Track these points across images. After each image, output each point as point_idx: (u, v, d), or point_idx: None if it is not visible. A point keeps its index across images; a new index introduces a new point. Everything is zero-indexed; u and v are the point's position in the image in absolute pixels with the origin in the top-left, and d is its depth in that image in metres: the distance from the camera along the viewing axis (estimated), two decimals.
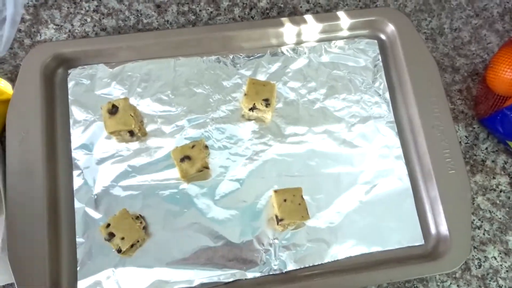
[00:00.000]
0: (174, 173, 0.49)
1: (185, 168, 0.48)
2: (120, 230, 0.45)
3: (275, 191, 0.48)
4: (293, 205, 0.47)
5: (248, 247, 0.48)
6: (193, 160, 0.48)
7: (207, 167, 0.48)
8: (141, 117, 0.51)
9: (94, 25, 0.55)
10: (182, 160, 0.48)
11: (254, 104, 0.50)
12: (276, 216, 0.47)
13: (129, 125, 0.48)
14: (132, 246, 0.46)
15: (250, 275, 0.47)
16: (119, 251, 0.45)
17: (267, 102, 0.50)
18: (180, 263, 0.47)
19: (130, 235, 0.45)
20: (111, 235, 0.45)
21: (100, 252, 0.47)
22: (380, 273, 0.46)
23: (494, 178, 0.53)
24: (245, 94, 0.50)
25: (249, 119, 0.52)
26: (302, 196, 0.48)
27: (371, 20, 0.55)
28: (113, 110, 0.48)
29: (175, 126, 0.51)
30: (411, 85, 0.52)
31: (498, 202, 0.52)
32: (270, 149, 0.51)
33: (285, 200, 0.47)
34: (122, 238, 0.45)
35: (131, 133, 0.49)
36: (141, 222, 0.47)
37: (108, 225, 0.45)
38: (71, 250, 0.46)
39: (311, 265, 0.48)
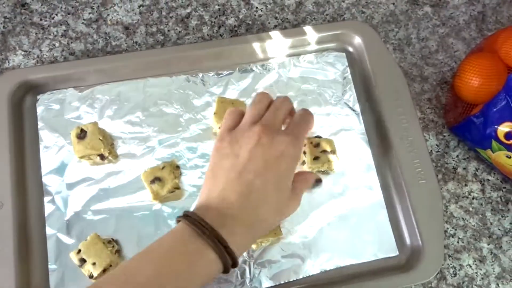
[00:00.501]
0: (146, 195, 0.49)
1: (156, 190, 0.48)
2: (91, 255, 0.45)
3: None
4: None
5: None
6: (163, 181, 0.48)
7: (177, 188, 0.48)
8: (112, 140, 0.51)
9: (63, 50, 0.55)
10: (152, 182, 0.48)
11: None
12: None
13: (98, 149, 0.48)
14: (104, 271, 0.45)
15: None
16: (90, 276, 0.44)
17: None
18: None
19: (101, 260, 0.45)
20: (83, 261, 0.45)
21: (73, 278, 0.46)
22: (355, 286, 0.46)
23: (466, 185, 0.53)
24: (215, 113, 0.50)
25: None
26: None
27: (338, 33, 0.56)
28: (82, 134, 0.48)
29: (146, 147, 0.51)
30: (379, 96, 0.53)
31: (471, 209, 0.52)
32: None
33: None
34: (94, 264, 0.44)
35: (102, 156, 0.49)
36: (113, 246, 0.47)
37: (79, 250, 0.45)
38: (44, 277, 0.46)
39: (286, 281, 0.47)
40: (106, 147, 0.48)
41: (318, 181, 0.51)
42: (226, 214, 0.37)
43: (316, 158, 0.50)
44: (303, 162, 0.51)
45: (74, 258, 0.45)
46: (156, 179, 0.48)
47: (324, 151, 0.50)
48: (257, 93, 0.44)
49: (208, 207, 0.38)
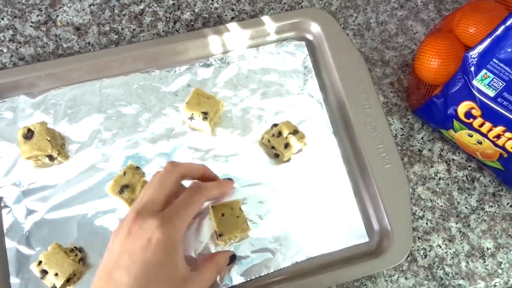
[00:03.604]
0: (108, 200, 0.48)
1: (128, 197, 0.46)
2: (53, 266, 0.43)
3: (212, 207, 0.47)
4: (232, 218, 0.46)
5: (192, 266, 0.46)
6: (131, 186, 0.46)
7: None
8: (62, 141, 0.49)
9: (11, 55, 0.53)
10: (121, 191, 0.46)
11: (193, 114, 0.49)
12: (216, 232, 0.46)
13: (45, 150, 0.46)
14: (68, 280, 0.44)
15: None
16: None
17: (205, 115, 0.49)
18: None
19: (63, 269, 0.43)
20: (44, 272, 0.43)
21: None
22: (327, 276, 0.46)
23: (432, 166, 0.53)
24: (187, 103, 0.49)
25: (191, 128, 0.51)
26: (240, 208, 0.47)
27: (297, 22, 0.55)
28: (29, 134, 0.46)
29: (105, 151, 0.50)
30: (341, 83, 0.52)
31: (438, 190, 0.52)
32: (205, 163, 0.50)
33: (223, 215, 0.46)
34: (56, 274, 0.43)
35: (50, 157, 0.47)
36: (76, 255, 0.45)
37: (40, 262, 0.43)
38: None
39: (257, 276, 0.47)
40: (54, 148, 0.47)
41: (233, 258, 0.46)
42: None
43: (286, 146, 0.49)
44: (277, 155, 0.51)
45: (35, 270, 0.43)
46: (124, 187, 0.46)
47: (288, 135, 0.49)
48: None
49: None
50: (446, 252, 0.50)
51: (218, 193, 0.46)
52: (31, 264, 0.43)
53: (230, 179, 0.49)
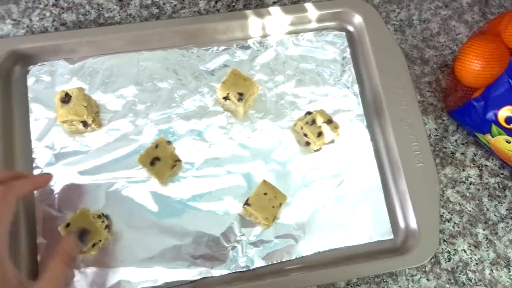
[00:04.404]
0: (137, 171, 0.48)
1: (158, 170, 0.46)
2: None
3: (265, 181, 0.47)
4: (268, 203, 0.46)
5: (215, 244, 0.47)
6: (162, 159, 0.47)
7: (179, 160, 0.47)
8: (97, 108, 0.50)
9: (54, 20, 0.53)
10: (152, 163, 0.46)
11: (228, 94, 0.49)
12: (248, 199, 0.46)
13: (81, 116, 0.46)
14: (93, 245, 0.44)
15: (216, 272, 0.46)
16: (80, 252, 0.43)
17: (240, 96, 0.49)
18: (144, 262, 0.45)
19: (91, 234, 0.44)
20: None
21: None
22: (348, 268, 0.46)
23: (463, 170, 0.52)
24: (223, 82, 0.49)
25: (224, 109, 0.51)
26: (281, 204, 0.47)
27: (339, 12, 0.54)
28: (66, 98, 0.47)
29: (138, 122, 0.50)
30: (379, 77, 0.52)
31: (467, 194, 0.51)
32: (236, 144, 0.50)
33: (265, 194, 0.46)
34: None
35: (84, 123, 0.48)
36: (103, 221, 0.45)
37: (68, 224, 0.44)
38: (32, 251, 0.45)
39: (278, 261, 0.47)
40: (90, 114, 0.47)
41: (84, 233, 0.42)
42: None
43: (319, 135, 0.49)
44: (308, 144, 0.50)
45: (63, 231, 0.43)
46: (155, 159, 0.46)
47: (322, 124, 0.49)
48: None
49: None
50: (470, 258, 0.49)
51: (30, 187, 0.42)
52: (60, 226, 0.44)
53: (48, 174, 0.46)
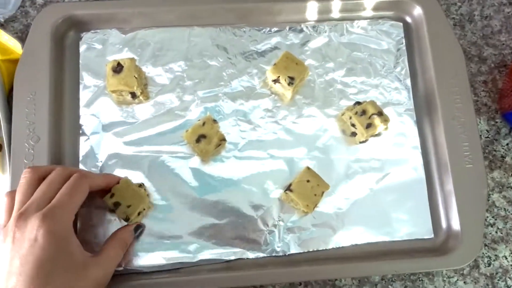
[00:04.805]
0: (181, 147, 0.48)
1: (203, 147, 0.46)
2: (126, 199, 0.44)
3: (308, 168, 0.47)
4: (310, 191, 0.46)
5: (252, 226, 0.47)
6: (208, 137, 0.46)
7: (224, 139, 0.47)
8: (146, 81, 0.50)
9: None
10: (198, 140, 0.46)
11: (279, 77, 0.48)
12: (290, 184, 0.46)
13: (131, 87, 0.46)
14: (138, 213, 0.45)
15: (252, 255, 0.46)
16: (126, 219, 0.44)
17: (291, 80, 0.48)
18: (181, 238, 0.46)
19: (136, 202, 0.44)
20: (117, 204, 0.44)
21: (101, 223, 0.46)
22: (385, 263, 0.45)
23: None
24: (274, 64, 0.48)
25: (272, 91, 0.50)
26: (323, 193, 0.46)
27: (398, 1, 0.52)
28: (118, 68, 0.47)
29: (185, 98, 0.50)
30: (434, 72, 0.50)
31: None
32: (281, 128, 0.49)
33: (308, 181, 0.46)
34: (128, 206, 0.44)
35: (133, 94, 0.48)
36: (144, 190, 0.46)
37: (112, 194, 0.44)
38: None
39: (315, 249, 0.46)
40: (139, 86, 0.47)
41: (138, 229, 0.45)
42: None
43: (368, 126, 0.48)
44: (354, 134, 0.49)
45: (108, 201, 0.44)
46: (201, 137, 0.46)
47: (372, 115, 0.48)
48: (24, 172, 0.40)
49: None
50: (511, 265, 0.48)
51: (102, 182, 0.44)
52: (105, 196, 0.44)
53: (119, 176, 0.46)
